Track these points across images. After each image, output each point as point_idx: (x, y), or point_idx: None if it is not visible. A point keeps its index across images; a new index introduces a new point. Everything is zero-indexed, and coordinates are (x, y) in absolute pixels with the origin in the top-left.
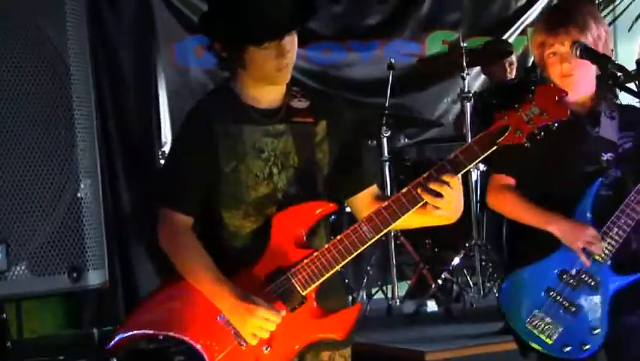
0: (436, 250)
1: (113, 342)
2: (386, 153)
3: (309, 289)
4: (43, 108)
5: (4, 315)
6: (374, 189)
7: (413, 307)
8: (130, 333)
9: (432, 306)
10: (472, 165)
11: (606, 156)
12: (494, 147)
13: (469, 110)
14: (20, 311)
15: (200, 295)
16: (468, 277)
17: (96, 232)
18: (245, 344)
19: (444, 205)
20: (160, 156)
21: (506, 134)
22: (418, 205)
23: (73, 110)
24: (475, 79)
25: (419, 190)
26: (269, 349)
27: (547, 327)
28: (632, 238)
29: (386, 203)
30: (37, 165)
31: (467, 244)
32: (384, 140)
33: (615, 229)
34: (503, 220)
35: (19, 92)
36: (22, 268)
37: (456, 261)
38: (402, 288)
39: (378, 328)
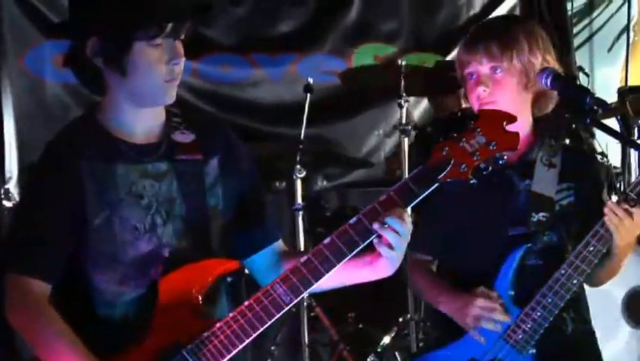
0: (360, 326)
1: None
2: (299, 199)
3: None
4: None
5: None
6: (279, 244)
7: None
8: None
9: None
10: (407, 208)
11: (537, 217)
12: (435, 185)
13: (406, 146)
14: None
15: None
16: None
17: None
18: None
19: (401, 246)
20: (2, 196)
21: (448, 168)
22: (348, 257)
23: None
24: (413, 106)
25: (376, 225)
26: None
27: None
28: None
29: (305, 258)
30: None
31: (400, 319)
32: (298, 182)
33: (540, 311)
34: None
35: None
36: None
37: (386, 340)
38: None
39: None
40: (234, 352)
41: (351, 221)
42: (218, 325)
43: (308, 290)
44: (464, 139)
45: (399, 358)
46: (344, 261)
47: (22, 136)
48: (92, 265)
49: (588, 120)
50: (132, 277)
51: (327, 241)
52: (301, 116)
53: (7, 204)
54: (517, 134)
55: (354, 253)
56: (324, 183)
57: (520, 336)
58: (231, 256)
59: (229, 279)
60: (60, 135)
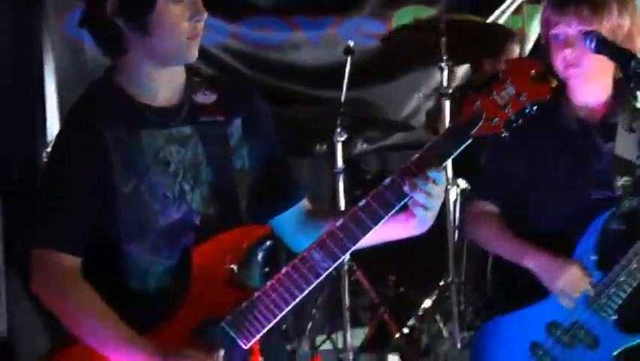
0: (402, 289)
1: None
2: (340, 162)
3: (252, 341)
4: None
5: None
6: (305, 203)
7: None
8: None
9: None
10: (441, 167)
11: (621, 181)
12: (468, 140)
13: (447, 109)
14: None
15: None
16: (441, 325)
17: None
18: None
19: (434, 206)
20: (44, 158)
21: (480, 123)
22: (384, 219)
23: None
24: (453, 69)
25: (407, 188)
26: None
27: None
28: None
29: (341, 221)
30: None
31: (441, 283)
32: (339, 145)
33: (624, 276)
34: (488, 253)
35: None
36: None
37: (426, 304)
38: (357, 337)
39: None
40: (275, 321)
41: (386, 182)
42: (256, 294)
43: (346, 253)
44: (494, 92)
45: (439, 321)
46: (380, 223)
47: (64, 100)
48: (123, 236)
49: (632, 84)
50: (164, 246)
51: (362, 203)
52: (341, 79)
53: None
54: (547, 84)
55: (390, 214)
56: (365, 146)
57: (604, 301)
58: (258, 218)
59: (264, 245)
60: (82, 102)
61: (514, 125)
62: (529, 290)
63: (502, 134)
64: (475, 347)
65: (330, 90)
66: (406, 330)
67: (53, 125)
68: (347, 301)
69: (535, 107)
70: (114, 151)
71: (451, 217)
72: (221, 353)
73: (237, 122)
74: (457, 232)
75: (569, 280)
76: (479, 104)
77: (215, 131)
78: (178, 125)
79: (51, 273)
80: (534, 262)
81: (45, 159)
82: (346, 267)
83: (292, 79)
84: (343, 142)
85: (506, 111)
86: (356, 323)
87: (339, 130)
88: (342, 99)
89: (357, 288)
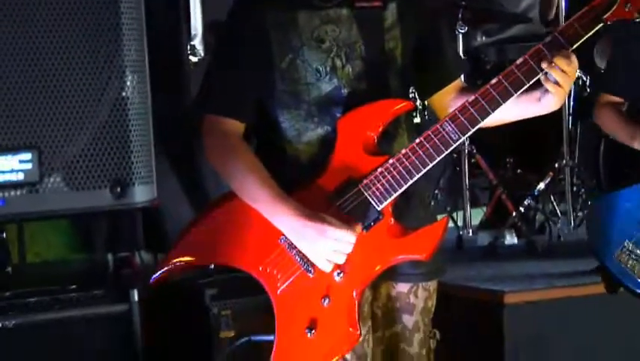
0: (519, 171)
1: (156, 275)
2: (461, 54)
3: (385, 203)
4: None
5: (4, 234)
6: (459, 83)
7: (489, 239)
8: (173, 264)
9: (511, 238)
10: (572, 48)
11: None
12: (600, 25)
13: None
14: (22, 232)
15: (257, 216)
16: (555, 205)
17: (144, 138)
18: (313, 271)
19: (567, 83)
20: (189, 52)
21: (614, 8)
22: (514, 97)
23: None
24: None
25: (545, 64)
26: (342, 275)
27: (637, 262)
28: None
29: (472, 98)
30: (75, 58)
31: (556, 165)
32: (460, 37)
33: None
34: (601, 136)
35: None
36: (57, 180)
37: (541, 186)
38: (475, 216)
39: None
40: (406, 186)
41: (518, 62)
42: (390, 161)
43: (475, 128)
44: None
45: (554, 201)
46: (509, 100)
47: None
48: (278, 105)
49: None
50: (315, 115)
51: (494, 81)
52: None
53: (194, 59)
54: None
55: (519, 92)
56: (483, 38)
57: None
58: (415, 95)
59: (414, 118)
60: None
61: None
62: (637, 172)
63: (636, 19)
64: (590, 221)
65: None
66: (522, 209)
67: (197, 19)
68: (467, 182)
69: None
70: (273, 30)
71: (566, 104)
72: (358, 224)
73: (392, 6)
74: (570, 118)
75: None
76: None
77: (370, 14)
78: (335, 7)
79: (220, 136)
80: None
81: (189, 51)
82: (467, 150)
83: None
84: (463, 34)
85: None
86: (475, 204)
87: (460, 23)
88: None
89: (476, 170)
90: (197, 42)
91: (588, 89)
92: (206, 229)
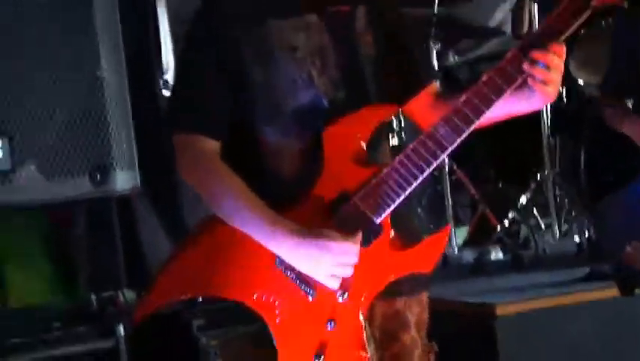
0: (500, 184)
1: (140, 313)
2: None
3: (383, 216)
4: None
5: None
6: (434, 87)
7: (474, 255)
8: (160, 301)
9: (496, 254)
10: (563, 38)
11: None
12: (588, 11)
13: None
14: (3, 277)
15: (245, 240)
16: (539, 218)
17: (123, 120)
18: (314, 294)
19: (554, 79)
20: (162, 86)
21: None
22: (506, 93)
23: None
24: None
25: (526, 65)
26: (346, 296)
27: None
28: None
29: (464, 98)
30: (44, 36)
31: (538, 177)
32: (434, 55)
33: None
34: (580, 146)
35: None
36: (32, 168)
37: (523, 198)
38: (459, 235)
39: (434, 281)
40: (404, 195)
41: (508, 56)
42: (385, 170)
43: (470, 128)
44: None
45: (537, 214)
46: (502, 97)
47: (177, 29)
48: (256, 120)
49: None
50: (294, 129)
51: (484, 78)
52: None
53: (167, 93)
54: None
55: (511, 88)
56: (455, 58)
57: None
58: (389, 102)
59: (392, 125)
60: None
61: None
62: (618, 179)
63: (625, 5)
64: (599, 218)
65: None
66: (506, 223)
67: (167, 54)
68: (449, 199)
69: None
70: (243, 40)
71: (544, 115)
72: (359, 233)
73: (361, 10)
74: (548, 128)
75: None
76: None
77: (340, 19)
78: (304, 14)
79: (195, 155)
80: (631, 127)
81: (162, 85)
82: (447, 167)
83: None
84: (436, 53)
85: None
86: (457, 222)
87: (432, 41)
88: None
89: (458, 187)
90: (170, 77)
91: (565, 100)
92: (189, 260)
